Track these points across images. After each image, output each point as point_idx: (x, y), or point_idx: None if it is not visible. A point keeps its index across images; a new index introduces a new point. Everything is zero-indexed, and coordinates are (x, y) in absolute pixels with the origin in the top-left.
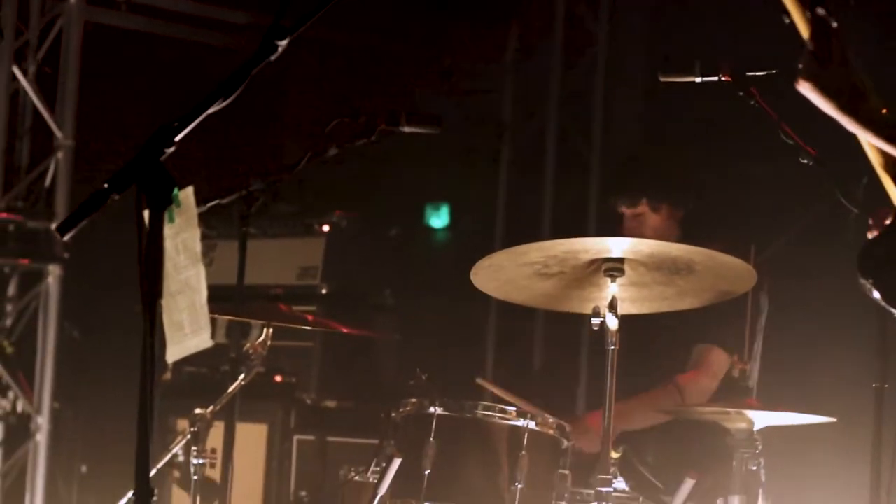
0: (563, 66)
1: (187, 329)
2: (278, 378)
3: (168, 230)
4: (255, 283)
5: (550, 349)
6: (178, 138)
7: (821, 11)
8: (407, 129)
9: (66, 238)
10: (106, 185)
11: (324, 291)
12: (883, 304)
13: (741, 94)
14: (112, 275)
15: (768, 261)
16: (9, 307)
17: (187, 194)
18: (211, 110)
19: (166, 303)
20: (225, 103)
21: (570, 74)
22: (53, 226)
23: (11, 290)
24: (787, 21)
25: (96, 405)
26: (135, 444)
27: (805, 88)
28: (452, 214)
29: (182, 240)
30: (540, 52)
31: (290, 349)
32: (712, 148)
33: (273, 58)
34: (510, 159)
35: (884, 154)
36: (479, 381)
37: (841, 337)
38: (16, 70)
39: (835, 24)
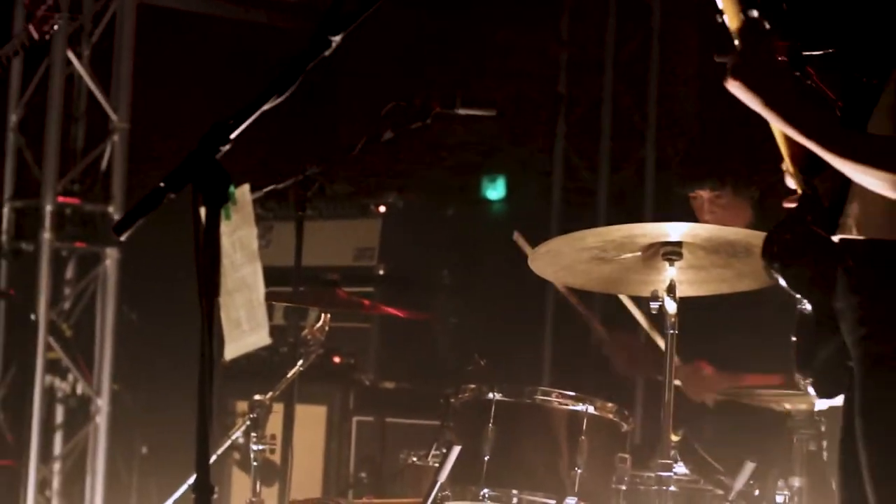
0: (617, 38)
1: (245, 326)
2: (337, 360)
3: (224, 228)
4: (311, 265)
5: (609, 326)
6: (233, 136)
7: (753, 13)
8: (462, 112)
9: (122, 238)
10: (162, 184)
11: (381, 272)
12: (788, 290)
13: (797, 73)
14: (170, 258)
15: None
16: (67, 290)
17: (243, 192)
18: (266, 107)
19: (224, 300)
20: (279, 100)
21: (625, 46)
22: (110, 209)
23: (69, 273)
24: (720, 20)
25: (155, 387)
26: (194, 425)
27: (732, 86)
28: (508, 187)
29: (238, 237)
30: (594, 25)
31: (348, 331)
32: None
33: (327, 53)
34: (566, 133)
35: (793, 147)
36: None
37: None
38: (70, 54)
39: (767, 26)
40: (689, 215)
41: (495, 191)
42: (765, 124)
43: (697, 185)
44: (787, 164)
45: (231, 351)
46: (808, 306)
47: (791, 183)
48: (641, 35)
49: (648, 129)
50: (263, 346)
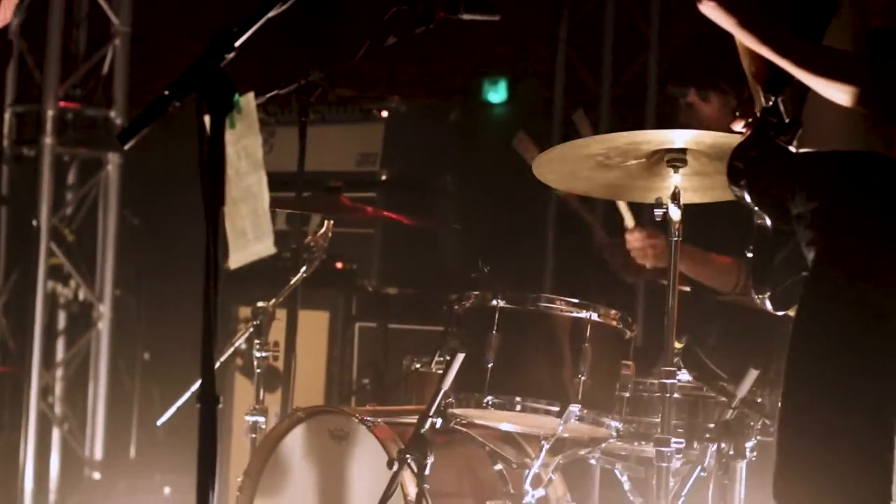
0: None
1: (250, 235)
2: (339, 265)
3: (229, 136)
4: (314, 170)
5: (611, 231)
6: (237, 44)
7: None
8: (466, 17)
9: (126, 147)
10: (166, 92)
11: (383, 178)
12: (753, 206)
13: None
14: (172, 163)
15: None
16: (69, 195)
17: (248, 100)
18: (270, 14)
19: (228, 209)
20: (284, 7)
21: None
22: (112, 113)
23: (71, 178)
24: None
25: (158, 293)
26: (196, 331)
27: (706, 7)
28: (510, 90)
29: (243, 146)
30: None
31: (351, 236)
32: None
33: None
34: (566, 37)
35: (757, 63)
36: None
37: None
38: None
39: None
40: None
41: (497, 94)
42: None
43: (682, 91)
44: (750, 82)
45: (236, 260)
46: (767, 220)
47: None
48: None
49: (651, 32)
50: (267, 255)
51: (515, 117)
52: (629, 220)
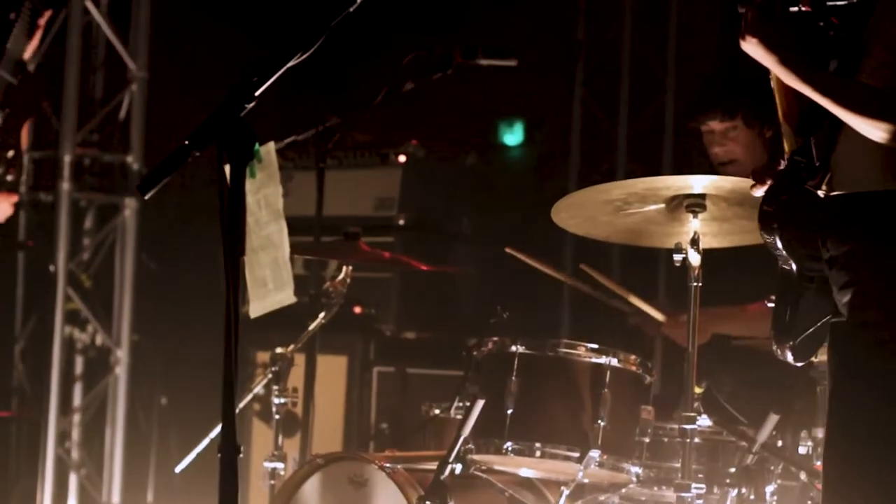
0: None
1: (270, 285)
2: (357, 309)
3: (249, 186)
4: (331, 215)
5: (627, 270)
6: (258, 93)
7: None
8: (483, 62)
9: (147, 197)
10: (186, 142)
11: (401, 222)
12: (781, 252)
13: (821, 24)
14: (190, 207)
15: None
16: (86, 241)
17: (269, 150)
18: (290, 63)
19: (249, 259)
20: (304, 56)
21: None
22: (129, 158)
23: (88, 223)
24: None
25: (175, 337)
26: (214, 376)
27: (750, 45)
28: (526, 132)
29: (264, 195)
30: None
31: (369, 280)
32: None
33: (352, 10)
34: (584, 80)
35: (789, 104)
36: (509, 250)
37: None
38: (88, 2)
39: None
40: (707, 160)
41: (513, 136)
42: None
43: (709, 117)
44: (781, 125)
45: (256, 309)
46: (793, 266)
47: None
48: None
49: (668, 76)
50: (288, 304)
51: (532, 160)
52: (659, 316)
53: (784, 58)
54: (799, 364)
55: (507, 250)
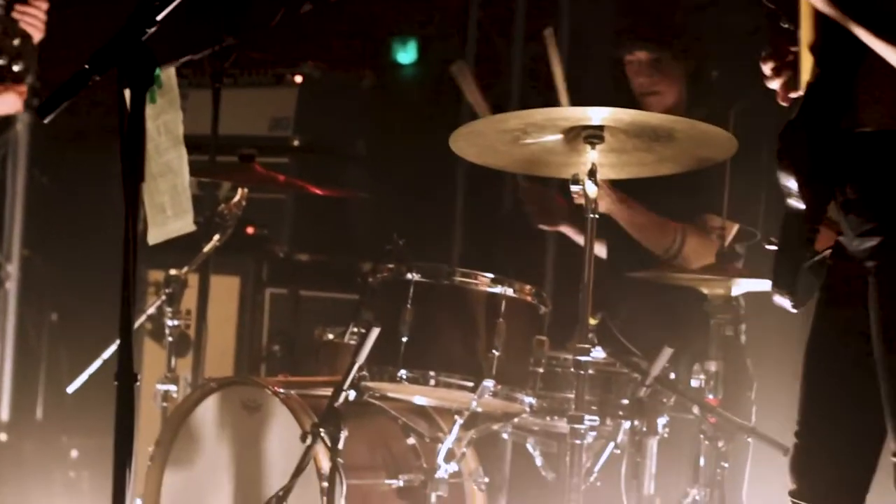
0: None
1: (169, 212)
2: (250, 230)
3: (149, 111)
4: (226, 134)
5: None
6: (159, 17)
7: None
8: None
9: (46, 121)
10: (86, 66)
11: (296, 143)
12: (792, 191)
13: None
14: (84, 122)
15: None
16: None
17: (169, 75)
18: None
19: (148, 185)
20: None
21: None
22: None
23: None
24: None
25: (67, 254)
26: (106, 293)
27: None
28: (420, 51)
29: (164, 121)
30: None
31: (262, 201)
32: None
33: None
34: (480, 1)
35: (815, 31)
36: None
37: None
38: None
39: None
40: (601, 86)
41: (407, 55)
42: None
43: (637, 46)
44: (802, 53)
45: (154, 236)
46: (801, 206)
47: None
48: None
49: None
50: (187, 232)
51: (427, 81)
52: (566, 101)
53: None
54: (796, 311)
55: (453, 68)
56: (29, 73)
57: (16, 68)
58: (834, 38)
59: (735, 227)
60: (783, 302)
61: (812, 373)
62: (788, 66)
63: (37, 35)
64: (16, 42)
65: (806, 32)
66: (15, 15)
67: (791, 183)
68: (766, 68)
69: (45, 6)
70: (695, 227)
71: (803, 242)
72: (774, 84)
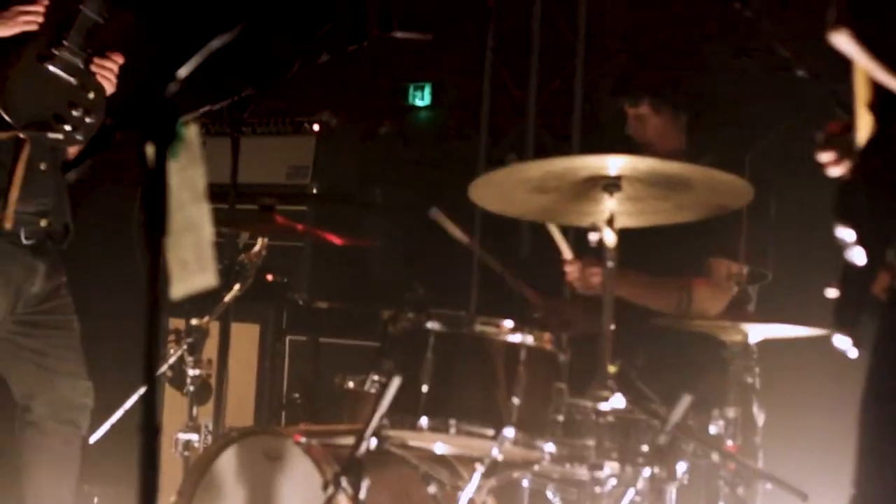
0: None
1: (192, 266)
2: (269, 277)
3: (172, 166)
4: (244, 182)
5: (537, 239)
6: (182, 74)
7: None
8: (399, 35)
9: (71, 178)
10: (109, 123)
11: (314, 191)
12: (852, 243)
13: (737, 4)
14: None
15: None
16: None
17: (192, 130)
18: (215, 44)
19: (170, 240)
20: (229, 38)
21: None
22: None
23: None
24: None
25: (86, 307)
26: (125, 346)
27: (840, 37)
28: (435, 95)
29: (186, 176)
30: None
31: (282, 249)
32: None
33: None
34: (494, 46)
35: (874, 93)
36: (434, 213)
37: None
38: None
39: None
40: (617, 134)
41: (422, 99)
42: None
43: (620, 101)
44: (858, 112)
45: (178, 290)
46: (862, 258)
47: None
48: None
49: (578, 42)
50: (209, 287)
51: (442, 127)
52: (567, 252)
53: (875, 51)
54: (857, 353)
55: (432, 214)
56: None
57: (88, 121)
58: (891, 95)
59: (745, 269)
60: (844, 344)
61: (870, 419)
62: (848, 156)
63: (109, 88)
64: (91, 95)
65: (861, 90)
66: (93, 68)
67: (848, 235)
68: (825, 157)
69: (120, 61)
70: (699, 280)
71: (862, 287)
72: (834, 172)
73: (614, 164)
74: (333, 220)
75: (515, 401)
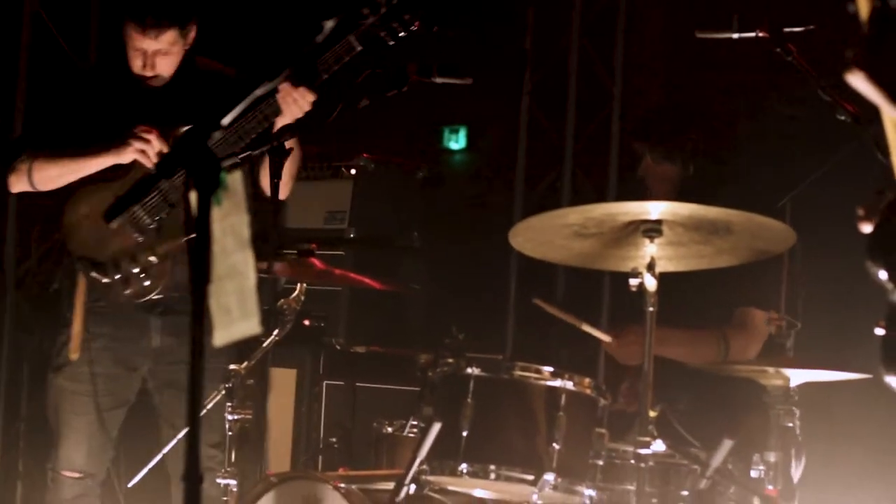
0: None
1: (235, 313)
2: (307, 322)
3: (215, 214)
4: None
5: (572, 288)
6: (225, 122)
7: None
8: (439, 80)
9: (113, 225)
10: (154, 171)
11: (351, 235)
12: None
13: (778, 49)
14: None
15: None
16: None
17: (235, 178)
18: (258, 92)
19: (214, 287)
20: (271, 86)
21: (593, 4)
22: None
23: None
24: (852, 9)
25: None
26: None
27: (856, 78)
28: (471, 139)
29: (230, 223)
30: None
31: (319, 293)
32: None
33: (319, 39)
34: (531, 90)
35: None
36: (537, 301)
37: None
38: None
39: None
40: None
41: (458, 142)
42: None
43: (662, 158)
44: (893, 160)
45: (220, 337)
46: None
47: None
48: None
49: (615, 86)
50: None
51: (479, 170)
52: (604, 336)
53: (893, 94)
54: None
55: (536, 301)
56: (154, 291)
57: (146, 283)
58: None
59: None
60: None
61: None
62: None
63: (296, 113)
64: (151, 258)
65: (893, 133)
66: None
67: (883, 274)
68: (866, 228)
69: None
70: (735, 328)
71: None
72: (866, 228)
73: (655, 208)
74: (371, 264)
75: (555, 446)
